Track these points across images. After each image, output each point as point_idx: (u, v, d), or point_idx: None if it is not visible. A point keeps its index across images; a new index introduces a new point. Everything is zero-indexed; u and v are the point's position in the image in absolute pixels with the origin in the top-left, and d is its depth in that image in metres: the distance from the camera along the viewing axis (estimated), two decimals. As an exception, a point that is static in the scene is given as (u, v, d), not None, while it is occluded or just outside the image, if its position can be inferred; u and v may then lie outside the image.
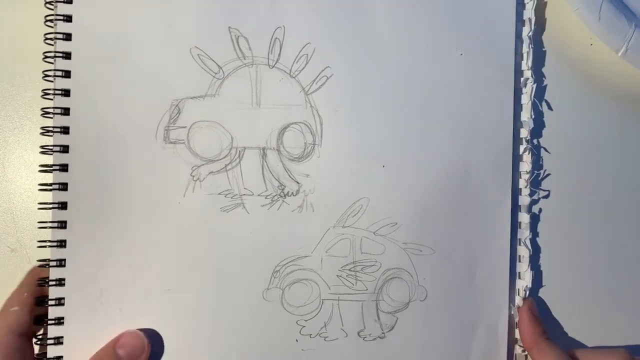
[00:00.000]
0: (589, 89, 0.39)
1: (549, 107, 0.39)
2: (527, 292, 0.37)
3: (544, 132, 0.39)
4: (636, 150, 0.40)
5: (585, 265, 0.39)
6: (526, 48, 0.37)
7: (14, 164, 0.34)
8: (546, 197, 0.39)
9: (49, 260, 0.31)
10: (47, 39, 0.32)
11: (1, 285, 0.32)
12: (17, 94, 0.34)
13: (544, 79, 0.39)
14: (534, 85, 0.37)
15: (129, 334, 0.32)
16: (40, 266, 0.31)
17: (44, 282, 0.31)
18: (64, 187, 0.31)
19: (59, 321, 0.32)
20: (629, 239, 0.40)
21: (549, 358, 0.34)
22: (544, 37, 0.39)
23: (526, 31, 0.37)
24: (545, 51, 0.39)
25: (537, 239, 0.39)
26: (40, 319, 0.31)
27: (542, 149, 0.39)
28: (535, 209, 0.39)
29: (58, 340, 0.31)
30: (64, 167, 0.31)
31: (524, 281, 0.37)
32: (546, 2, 0.38)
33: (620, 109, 0.40)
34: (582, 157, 0.39)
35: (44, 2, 0.32)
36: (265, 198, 0.34)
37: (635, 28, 0.36)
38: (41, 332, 0.32)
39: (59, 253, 0.31)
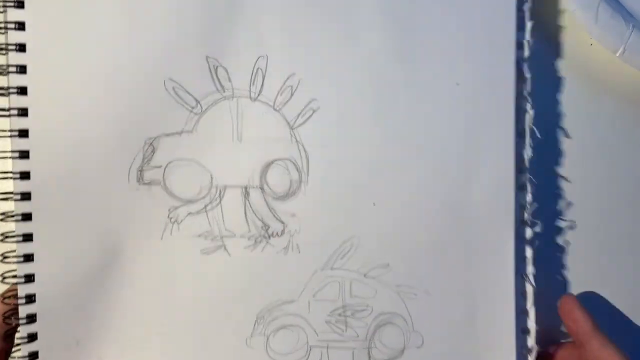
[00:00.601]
0: (589, 89, 0.37)
1: (554, 135, 0.36)
2: (534, 333, 0.35)
3: (550, 159, 0.37)
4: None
5: (596, 297, 0.37)
6: (526, 73, 0.35)
7: None
8: (560, 228, 0.37)
9: (19, 317, 0.29)
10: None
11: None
12: None
13: (546, 104, 0.36)
14: (532, 112, 0.35)
15: None
16: (5, 321, 0.29)
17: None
18: (28, 237, 0.29)
19: None
20: (633, 244, 0.38)
21: (611, 352, 0.31)
22: (544, 38, 0.37)
23: (525, 55, 0.35)
24: (549, 76, 0.36)
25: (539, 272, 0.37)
26: None
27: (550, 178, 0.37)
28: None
29: None
30: (27, 216, 0.29)
31: (530, 319, 0.35)
32: (546, 2, 0.36)
33: (621, 109, 0.38)
34: (588, 162, 0.37)
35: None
36: (248, 239, 0.32)
37: (632, 29, 0.35)
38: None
39: (28, 309, 0.29)
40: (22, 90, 0.29)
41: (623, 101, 0.38)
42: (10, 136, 0.29)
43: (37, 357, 0.30)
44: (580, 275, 0.37)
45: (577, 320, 0.33)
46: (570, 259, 0.37)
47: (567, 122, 0.37)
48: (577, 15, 0.35)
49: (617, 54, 0.35)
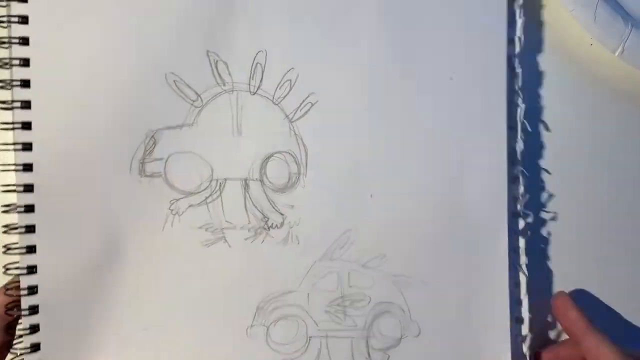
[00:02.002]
0: (589, 88, 0.38)
1: (547, 128, 0.37)
2: (527, 321, 0.36)
3: (543, 152, 0.37)
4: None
5: (591, 285, 0.38)
6: (517, 68, 0.36)
7: None
8: (553, 219, 0.37)
9: (21, 309, 0.30)
10: (2, 65, 0.29)
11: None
12: None
13: (538, 98, 0.37)
14: (524, 106, 0.36)
15: None
16: (7, 312, 0.30)
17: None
18: (31, 229, 0.29)
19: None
20: (630, 242, 0.38)
21: (605, 349, 0.31)
22: (544, 37, 0.37)
23: (516, 51, 0.36)
24: (542, 72, 0.37)
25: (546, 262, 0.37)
26: None
27: (542, 170, 0.37)
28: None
29: None
30: (29, 208, 0.29)
31: (524, 308, 0.36)
32: (545, 3, 0.37)
33: (621, 109, 0.38)
34: (584, 160, 0.38)
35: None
36: (248, 231, 0.33)
37: (631, 28, 0.35)
38: None
39: (30, 300, 0.30)
40: (25, 83, 0.29)
41: (625, 100, 0.38)
42: (13, 128, 0.29)
43: (39, 348, 0.30)
44: (571, 265, 0.38)
45: (571, 320, 0.33)
46: (559, 250, 0.38)
47: (562, 119, 0.37)
48: (576, 15, 0.35)
49: (616, 54, 0.35)
